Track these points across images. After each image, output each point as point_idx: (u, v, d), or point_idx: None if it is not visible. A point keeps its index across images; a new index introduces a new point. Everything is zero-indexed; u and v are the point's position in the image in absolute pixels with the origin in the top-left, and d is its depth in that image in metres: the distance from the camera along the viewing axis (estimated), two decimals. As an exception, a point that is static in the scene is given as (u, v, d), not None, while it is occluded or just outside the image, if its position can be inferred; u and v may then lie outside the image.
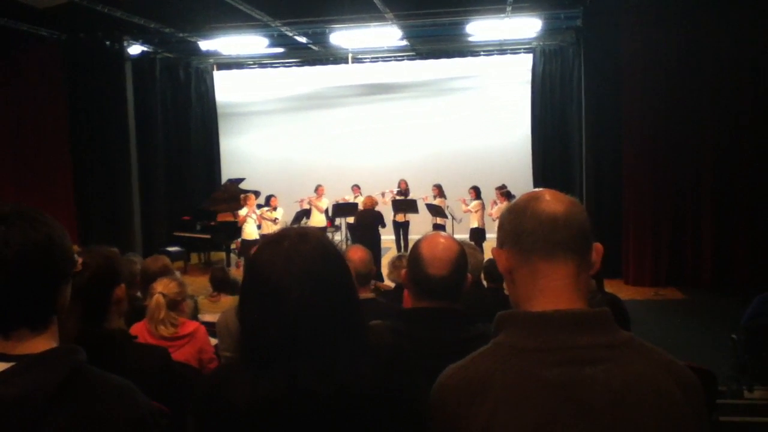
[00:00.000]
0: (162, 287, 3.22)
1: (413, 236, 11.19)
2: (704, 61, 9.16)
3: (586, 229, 1.17)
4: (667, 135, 9.34)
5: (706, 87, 9.17)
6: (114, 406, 1.12)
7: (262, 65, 14.70)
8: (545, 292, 1.15)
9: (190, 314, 3.65)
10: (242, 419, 1.17)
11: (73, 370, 1.10)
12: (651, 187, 9.48)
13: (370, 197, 10.70)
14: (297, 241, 1.24)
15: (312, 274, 1.20)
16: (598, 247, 1.19)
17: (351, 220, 11.30)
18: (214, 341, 3.72)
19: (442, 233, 2.08)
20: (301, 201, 11.94)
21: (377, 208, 10.59)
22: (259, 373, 1.18)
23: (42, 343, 1.12)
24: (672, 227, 9.42)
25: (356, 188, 12.33)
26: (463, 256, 1.90)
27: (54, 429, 1.05)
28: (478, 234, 10.69)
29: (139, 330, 3.12)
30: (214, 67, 14.60)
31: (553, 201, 1.17)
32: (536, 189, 1.25)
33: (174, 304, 3.23)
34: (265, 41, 11.24)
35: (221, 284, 4.96)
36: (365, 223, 10.20)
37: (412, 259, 1.89)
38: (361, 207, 10.78)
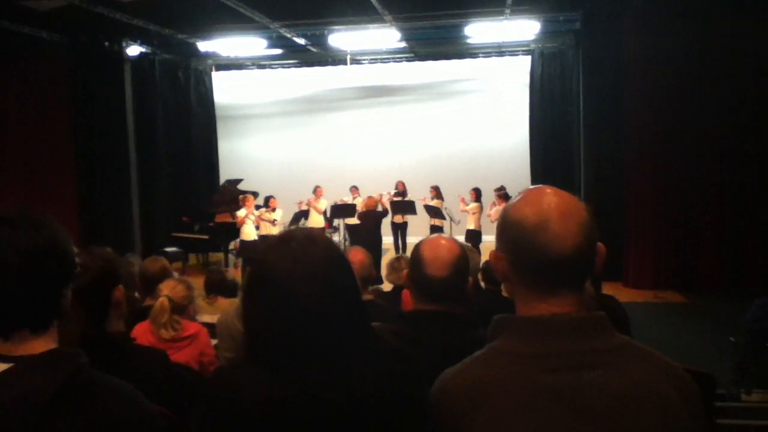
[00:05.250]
0: (168, 290, 3.15)
1: (411, 238, 11.18)
2: (705, 62, 9.14)
3: (592, 255, 1.13)
4: (669, 136, 9.33)
5: (708, 88, 9.15)
6: (115, 408, 1.12)
7: (261, 66, 14.69)
8: (542, 311, 1.14)
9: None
10: (249, 421, 1.16)
11: (75, 372, 1.10)
12: (652, 189, 9.47)
13: (370, 198, 10.68)
14: (304, 244, 1.23)
15: (320, 277, 1.20)
16: (601, 249, 1.16)
17: (350, 221, 11.30)
18: (213, 341, 3.71)
19: (444, 235, 2.07)
20: (300, 202, 11.93)
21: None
22: (266, 375, 1.17)
23: (42, 345, 1.13)
24: (673, 229, 9.40)
25: (354, 189, 12.33)
26: (465, 259, 1.89)
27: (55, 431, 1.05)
28: (474, 236, 10.67)
29: (141, 331, 3.08)
30: (213, 68, 14.60)
31: (561, 232, 1.10)
32: (541, 193, 1.16)
33: (180, 308, 3.15)
34: (264, 42, 11.25)
35: (217, 288, 4.86)
36: (368, 225, 10.19)
37: (413, 260, 1.89)
38: (361, 208, 10.76)
